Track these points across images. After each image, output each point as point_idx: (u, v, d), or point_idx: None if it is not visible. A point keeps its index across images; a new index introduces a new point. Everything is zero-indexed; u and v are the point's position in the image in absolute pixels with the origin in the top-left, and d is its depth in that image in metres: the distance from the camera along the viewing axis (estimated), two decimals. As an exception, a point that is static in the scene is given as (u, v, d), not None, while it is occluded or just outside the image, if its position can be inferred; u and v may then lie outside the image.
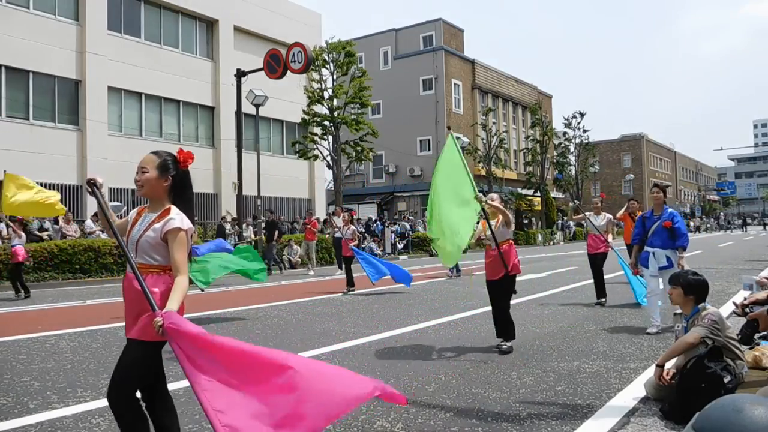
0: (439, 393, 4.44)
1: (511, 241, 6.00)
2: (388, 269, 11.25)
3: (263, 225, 19.05)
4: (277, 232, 17.96)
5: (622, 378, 4.78)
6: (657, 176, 74.36)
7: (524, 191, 40.59)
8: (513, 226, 5.87)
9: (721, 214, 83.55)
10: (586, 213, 9.77)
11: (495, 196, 6.07)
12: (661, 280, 6.54)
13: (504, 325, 5.91)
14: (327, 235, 19.75)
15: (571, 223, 40.64)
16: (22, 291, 11.36)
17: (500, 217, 5.93)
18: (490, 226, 5.78)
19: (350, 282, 11.70)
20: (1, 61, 18.53)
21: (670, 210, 6.62)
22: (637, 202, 11.12)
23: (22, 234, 11.88)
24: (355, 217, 16.78)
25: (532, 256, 22.88)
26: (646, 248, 6.67)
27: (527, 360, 5.49)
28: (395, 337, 6.73)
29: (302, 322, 7.95)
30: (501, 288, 5.93)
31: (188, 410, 4.08)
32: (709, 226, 68.27)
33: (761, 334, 5.10)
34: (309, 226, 17.37)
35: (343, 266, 12.57)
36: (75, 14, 20.56)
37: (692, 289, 4.08)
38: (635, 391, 4.34)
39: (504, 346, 5.80)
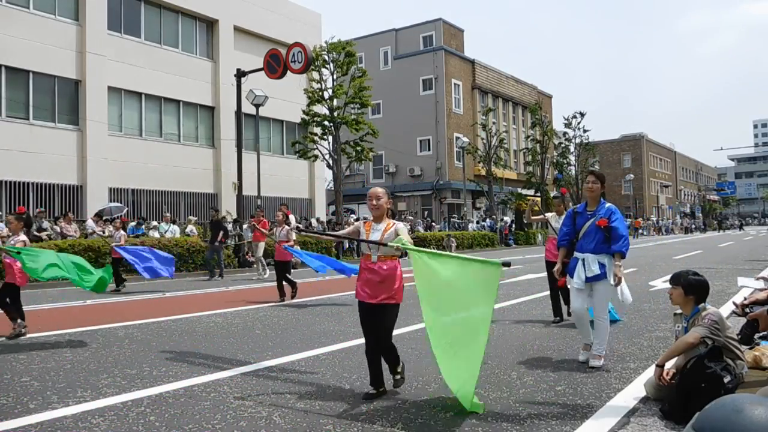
0: (439, 393, 4.44)
1: (398, 259, 4.47)
2: (329, 263, 10.65)
3: (208, 225, 17.66)
4: (222, 233, 16.00)
5: (622, 378, 4.78)
6: (657, 176, 74.45)
7: (524, 191, 40.60)
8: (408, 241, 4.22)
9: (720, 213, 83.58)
10: (547, 214, 8.23)
11: (381, 191, 4.51)
12: (588, 296, 5.19)
13: (387, 354, 4.41)
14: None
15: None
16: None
17: (391, 223, 4.45)
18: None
19: (281, 291, 10.33)
20: (1, 61, 18.53)
21: (608, 205, 5.22)
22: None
23: (124, 233, 13.02)
24: (291, 216, 15.17)
25: (532, 255, 22.87)
26: (575, 253, 5.30)
27: (527, 360, 5.50)
28: (395, 337, 6.69)
29: (302, 322, 7.95)
30: (377, 316, 4.32)
31: (188, 410, 4.08)
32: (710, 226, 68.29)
33: (761, 334, 5.10)
34: (258, 225, 14.60)
35: (279, 272, 10.68)
36: (75, 14, 20.56)
37: (693, 289, 4.08)
38: (635, 391, 4.34)
39: (397, 377, 4.50)
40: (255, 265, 16.53)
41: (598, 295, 5.14)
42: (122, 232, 13.15)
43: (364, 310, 4.39)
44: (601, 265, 5.06)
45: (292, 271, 11.77)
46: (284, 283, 10.48)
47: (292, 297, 10.37)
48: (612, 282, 4.99)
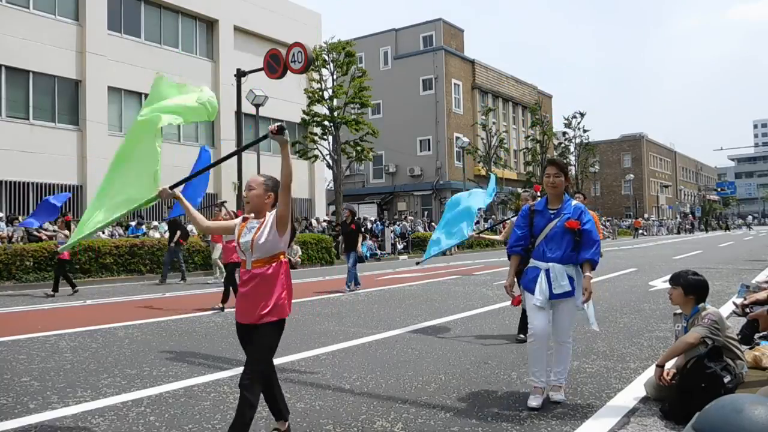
0: (439, 393, 4.44)
1: (283, 259, 3.39)
2: None
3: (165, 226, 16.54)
4: (179, 233, 14.93)
5: (622, 378, 4.78)
6: (657, 176, 74.46)
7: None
8: (289, 234, 3.34)
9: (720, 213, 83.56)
10: (512, 219, 7.10)
11: (259, 180, 3.51)
12: (552, 315, 4.15)
13: (251, 389, 3.30)
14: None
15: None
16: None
17: (268, 213, 3.38)
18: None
19: (226, 296, 9.34)
20: (1, 61, 18.53)
21: (575, 203, 4.21)
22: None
23: (66, 232, 12.31)
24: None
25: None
26: (533, 262, 4.18)
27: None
28: (395, 337, 6.72)
29: (302, 322, 7.95)
30: (255, 339, 3.39)
31: (188, 410, 4.08)
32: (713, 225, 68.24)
33: (761, 334, 5.10)
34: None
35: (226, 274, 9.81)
36: (75, 14, 20.56)
37: (692, 289, 4.08)
38: (635, 391, 4.34)
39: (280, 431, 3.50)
40: (213, 268, 15.29)
41: (563, 316, 4.13)
42: (67, 231, 12.26)
43: (240, 333, 3.53)
44: (570, 279, 4.05)
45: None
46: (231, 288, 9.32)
47: (221, 308, 9.14)
48: (580, 301, 4.04)
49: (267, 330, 3.30)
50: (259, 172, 21.49)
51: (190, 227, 16.66)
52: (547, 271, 4.08)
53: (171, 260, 14.82)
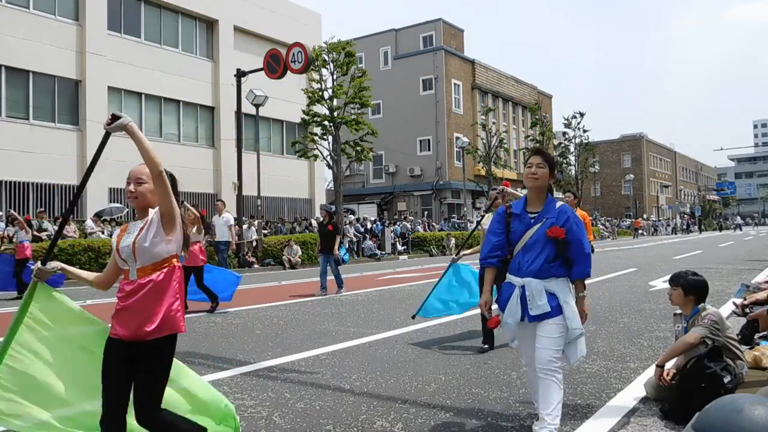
0: (439, 393, 4.44)
1: (175, 264, 2.80)
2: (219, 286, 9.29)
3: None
4: None
5: (622, 378, 4.78)
6: (657, 176, 74.46)
7: (523, 192, 40.65)
8: (181, 234, 2.84)
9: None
10: (482, 223, 6.31)
11: (143, 171, 3.08)
12: (537, 338, 3.35)
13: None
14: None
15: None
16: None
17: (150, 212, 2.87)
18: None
19: (211, 297, 9.00)
20: (1, 61, 18.53)
21: (560, 204, 3.42)
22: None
23: (29, 230, 11.93)
24: (205, 215, 11.54)
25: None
26: (509, 276, 3.47)
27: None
28: (395, 337, 6.72)
29: (302, 322, 7.95)
30: (134, 362, 2.67)
31: (188, 410, 4.07)
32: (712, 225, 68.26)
33: (761, 334, 5.10)
34: None
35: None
36: (75, 14, 20.56)
37: (692, 289, 4.08)
38: (635, 391, 4.34)
39: None
40: None
41: (544, 342, 3.30)
42: (28, 230, 11.85)
43: (117, 353, 2.66)
44: (551, 297, 3.28)
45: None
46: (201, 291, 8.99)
47: (213, 308, 8.93)
48: (575, 324, 3.27)
49: (156, 349, 2.65)
50: (258, 172, 21.57)
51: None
52: (522, 288, 3.31)
53: None
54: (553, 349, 3.30)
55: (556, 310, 3.29)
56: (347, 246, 13.30)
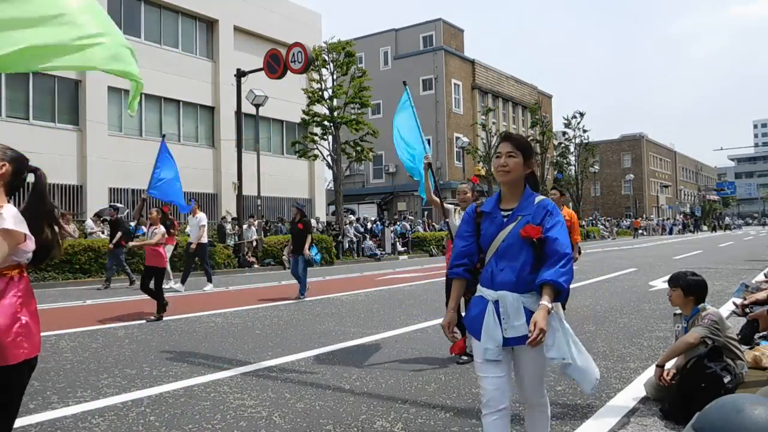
0: (439, 393, 4.44)
1: (14, 275, 2.41)
2: None
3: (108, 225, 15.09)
4: (120, 234, 13.17)
5: (622, 378, 4.78)
6: (657, 176, 74.45)
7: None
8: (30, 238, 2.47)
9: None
10: (449, 206, 5.92)
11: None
12: (507, 373, 2.70)
13: None
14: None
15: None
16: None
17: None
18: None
19: (161, 306, 8.35)
20: (1, 61, 18.52)
21: (539, 199, 2.76)
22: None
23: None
24: (168, 212, 11.88)
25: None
26: (480, 289, 2.78)
27: None
28: (395, 337, 6.72)
29: (302, 322, 7.95)
30: None
31: (188, 410, 4.08)
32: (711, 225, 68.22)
33: (761, 334, 5.10)
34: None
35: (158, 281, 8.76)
36: (75, 14, 20.54)
37: (692, 289, 4.08)
38: (635, 391, 4.34)
39: None
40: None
41: (528, 368, 2.71)
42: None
43: None
44: (527, 312, 2.62)
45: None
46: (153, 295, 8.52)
47: (157, 318, 8.20)
48: (554, 352, 2.59)
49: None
50: (258, 172, 21.53)
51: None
52: (496, 303, 2.66)
53: (113, 263, 13.42)
54: (539, 376, 2.73)
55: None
56: (318, 249, 12.58)
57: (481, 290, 2.75)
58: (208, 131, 24.92)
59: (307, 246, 10.67)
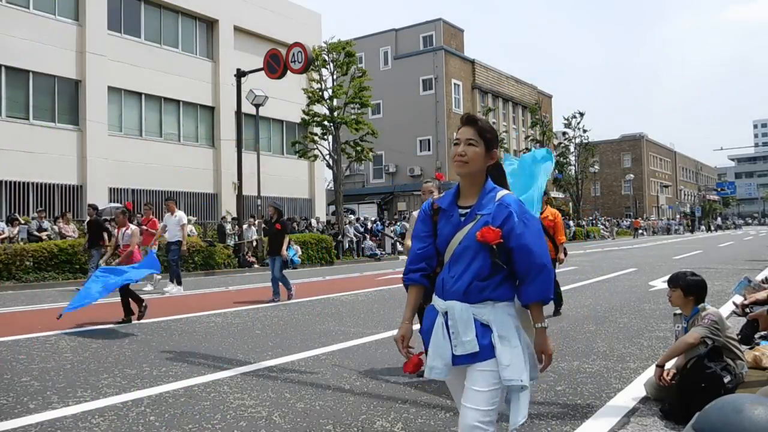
0: (439, 393, 4.44)
1: None
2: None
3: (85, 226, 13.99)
4: (106, 234, 12.58)
5: (622, 378, 4.78)
6: (657, 176, 74.45)
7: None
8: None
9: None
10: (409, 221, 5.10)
11: None
12: (459, 395, 2.40)
13: None
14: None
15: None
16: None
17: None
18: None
19: (128, 309, 8.03)
20: (1, 61, 18.53)
21: (501, 194, 2.31)
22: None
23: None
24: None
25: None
26: (434, 298, 2.43)
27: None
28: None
29: (302, 322, 7.95)
30: None
31: (188, 410, 4.08)
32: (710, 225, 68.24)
33: (761, 334, 5.10)
34: (146, 227, 12.28)
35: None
36: (75, 14, 20.55)
37: (692, 289, 4.08)
38: (635, 391, 4.34)
39: None
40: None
41: (471, 397, 2.25)
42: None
43: None
44: (484, 330, 2.24)
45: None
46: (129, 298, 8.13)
47: (139, 317, 7.98)
48: (511, 373, 2.19)
49: None
50: (258, 172, 21.59)
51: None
52: (446, 315, 2.31)
53: (94, 265, 12.24)
54: (482, 410, 2.21)
55: (488, 350, 2.21)
56: (297, 250, 11.82)
57: (434, 300, 2.41)
58: (208, 131, 24.91)
59: (284, 247, 10.22)
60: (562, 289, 11.50)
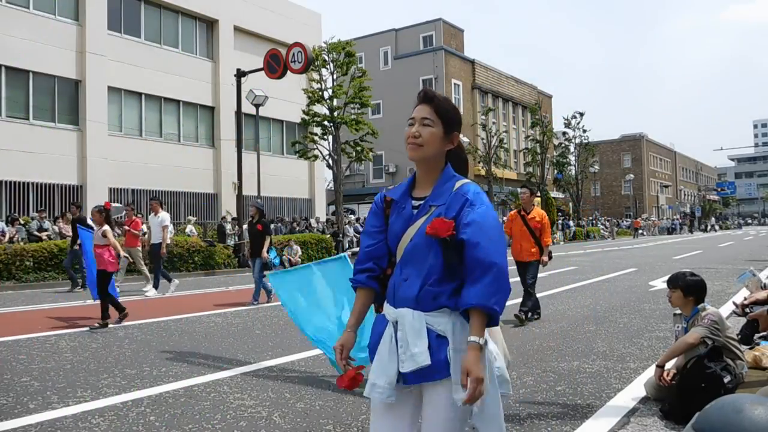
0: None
1: None
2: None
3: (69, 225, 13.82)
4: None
5: (622, 378, 4.78)
6: (657, 176, 74.46)
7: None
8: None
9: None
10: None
11: None
12: (410, 422, 1.96)
13: None
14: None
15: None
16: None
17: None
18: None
19: (105, 312, 7.79)
20: (1, 61, 18.52)
21: (461, 183, 1.98)
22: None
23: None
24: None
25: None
26: (384, 307, 2.03)
27: (527, 360, 5.49)
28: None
29: (302, 322, 7.94)
30: None
31: (188, 410, 4.08)
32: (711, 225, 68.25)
33: (761, 334, 5.10)
34: (129, 228, 12.08)
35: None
36: (75, 14, 20.55)
37: (691, 290, 4.08)
38: (635, 391, 4.34)
39: None
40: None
41: (431, 419, 1.91)
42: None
43: None
44: (440, 341, 1.89)
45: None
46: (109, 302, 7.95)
47: (102, 324, 7.67)
48: (459, 395, 1.82)
49: None
50: (258, 172, 21.57)
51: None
52: (395, 325, 1.95)
53: (71, 264, 12.50)
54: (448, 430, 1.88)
55: (443, 365, 1.86)
56: (279, 252, 11.43)
57: (385, 308, 2.03)
58: (208, 131, 24.91)
59: (265, 249, 9.98)
60: (563, 289, 11.52)
